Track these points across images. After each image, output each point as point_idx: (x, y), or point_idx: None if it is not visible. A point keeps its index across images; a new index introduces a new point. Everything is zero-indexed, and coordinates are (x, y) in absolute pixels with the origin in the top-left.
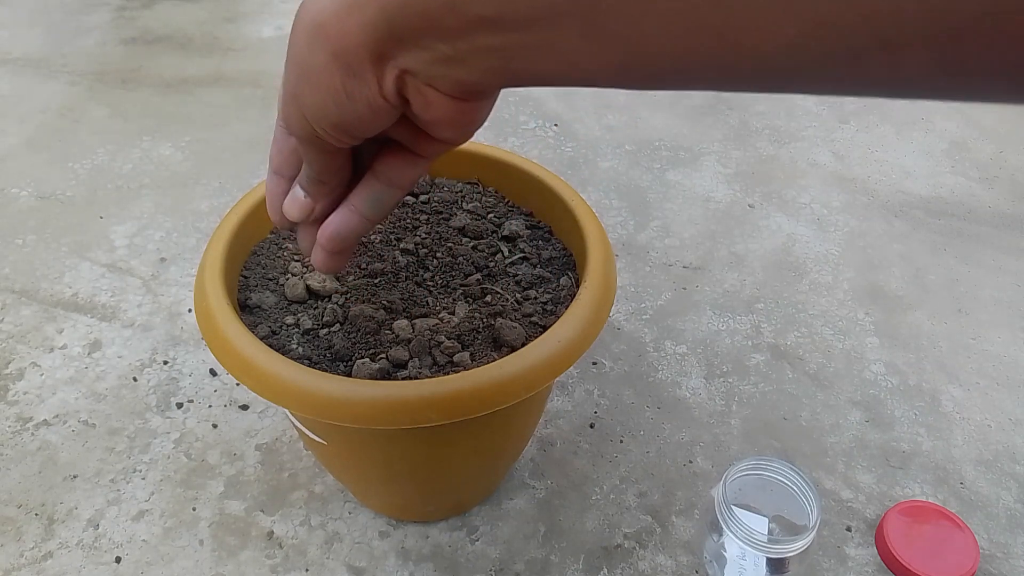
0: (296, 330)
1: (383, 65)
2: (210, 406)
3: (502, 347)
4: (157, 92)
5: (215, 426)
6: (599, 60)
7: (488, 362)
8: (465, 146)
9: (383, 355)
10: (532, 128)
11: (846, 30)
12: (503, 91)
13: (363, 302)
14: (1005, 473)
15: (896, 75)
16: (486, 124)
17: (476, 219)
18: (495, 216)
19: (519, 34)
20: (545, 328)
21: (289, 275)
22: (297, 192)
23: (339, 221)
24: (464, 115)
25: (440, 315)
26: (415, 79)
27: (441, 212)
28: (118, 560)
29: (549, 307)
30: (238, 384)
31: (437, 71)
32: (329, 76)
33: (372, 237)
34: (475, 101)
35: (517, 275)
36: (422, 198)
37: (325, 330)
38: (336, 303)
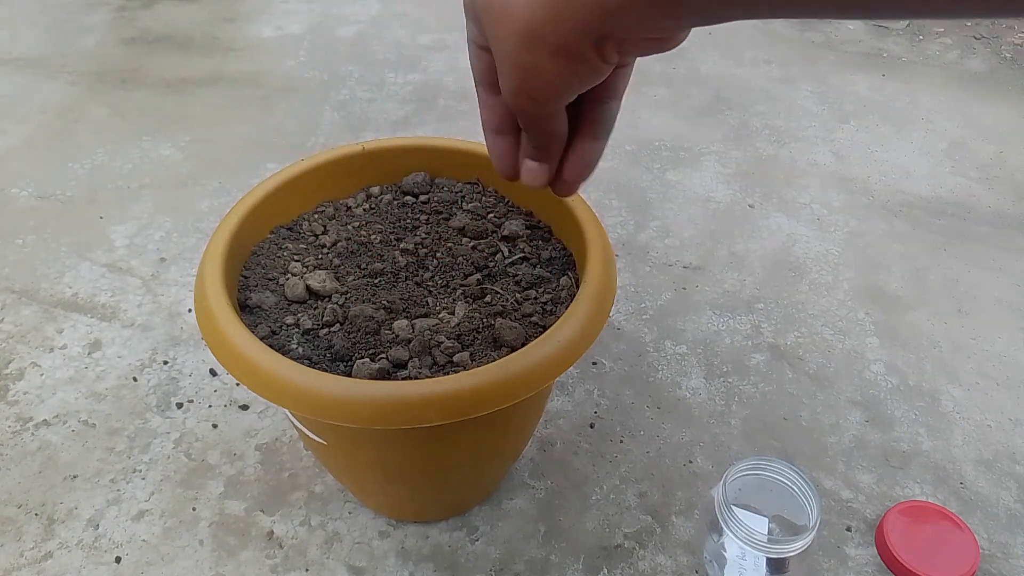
0: (296, 330)
1: (603, 44)
2: (210, 406)
3: (502, 347)
4: (157, 92)
5: (215, 426)
6: None
7: (488, 362)
8: (465, 146)
9: (383, 355)
10: None
11: None
12: None
13: (363, 302)
14: (1005, 473)
15: None
16: None
17: (476, 219)
18: (495, 216)
19: None
20: (545, 328)
21: (289, 275)
22: (531, 165)
23: (585, 154)
24: (664, 45)
25: (440, 315)
26: (631, 40)
27: (441, 212)
28: (118, 560)
29: (549, 307)
30: (238, 384)
31: (651, 29)
32: (556, 67)
33: (372, 237)
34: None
35: (517, 275)
36: (422, 198)
37: (325, 330)
38: (336, 303)
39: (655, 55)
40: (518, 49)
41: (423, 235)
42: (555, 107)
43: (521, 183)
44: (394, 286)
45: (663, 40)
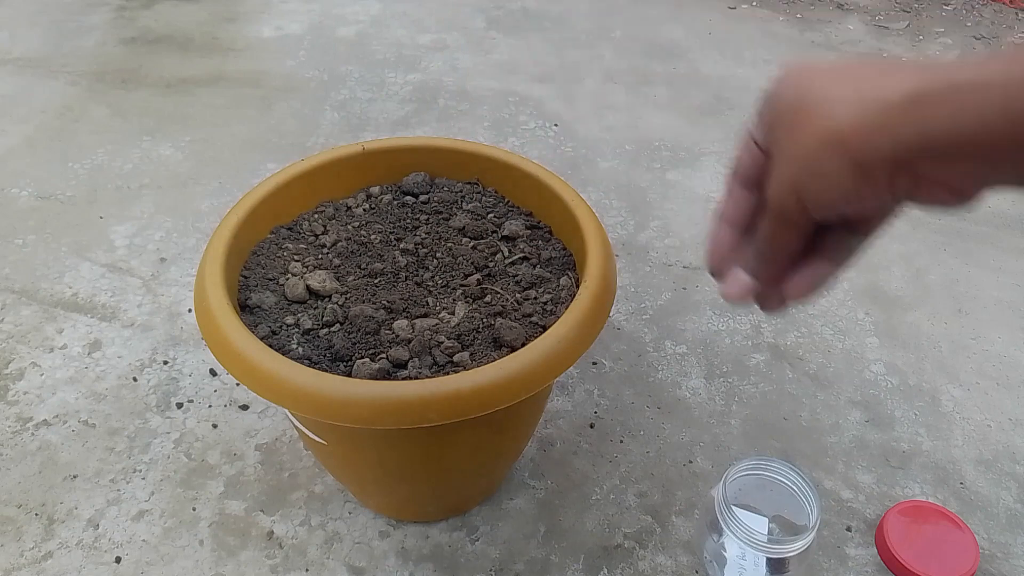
0: (296, 330)
1: (902, 173)
2: (210, 406)
3: (502, 347)
4: (157, 92)
5: (215, 426)
6: None
7: (488, 362)
8: (465, 146)
9: (383, 355)
10: (532, 128)
11: None
12: (505, 93)
13: (363, 302)
14: (1005, 473)
15: None
16: (486, 124)
17: (476, 219)
18: (495, 216)
19: None
20: (545, 328)
21: (289, 275)
22: (741, 276)
23: (816, 274)
24: (953, 199)
25: (440, 315)
26: (931, 182)
27: (441, 212)
28: (118, 560)
29: (549, 307)
30: (238, 384)
31: (962, 179)
32: (843, 179)
33: (372, 237)
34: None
35: (517, 275)
36: (422, 198)
37: (325, 330)
38: (336, 303)
39: (938, 205)
40: (815, 148)
41: (423, 235)
42: (815, 216)
43: (718, 283)
44: (394, 286)
45: (959, 193)
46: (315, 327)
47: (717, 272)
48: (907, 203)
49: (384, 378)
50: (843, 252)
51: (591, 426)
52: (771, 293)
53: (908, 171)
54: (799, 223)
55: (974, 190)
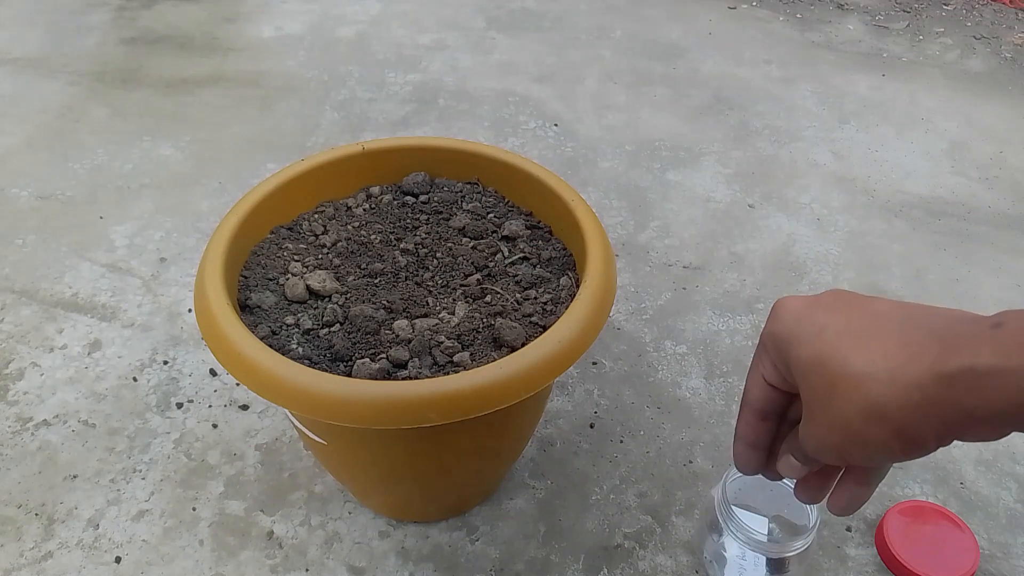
0: (296, 330)
1: (947, 437)
2: (210, 406)
3: (502, 347)
4: (157, 92)
5: (215, 426)
6: None
7: (488, 362)
8: (465, 146)
9: (383, 355)
10: (532, 128)
11: None
12: (505, 94)
13: (363, 302)
14: (1005, 473)
15: None
16: (486, 124)
17: (476, 219)
18: (495, 216)
19: None
20: (545, 328)
21: (289, 275)
22: (792, 462)
23: (853, 494)
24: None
25: (440, 315)
26: (975, 434)
27: (441, 212)
28: (118, 560)
29: (549, 307)
30: (238, 384)
31: (993, 435)
32: (890, 449)
33: (372, 237)
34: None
35: (517, 275)
36: (422, 198)
37: (325, 330)
38: (336, 303)
39: None
40: (859, 422)
41: (423, 235)
42: (858, 465)
43: (769, 471)
44: (394, 286)
45: (1001, 434)
46: (315, 327)
47: (751, 473)
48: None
49: (384, 378)
50: (877, 474)
51: (591, 426)
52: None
53: (953, 436)
54: (838, 467)
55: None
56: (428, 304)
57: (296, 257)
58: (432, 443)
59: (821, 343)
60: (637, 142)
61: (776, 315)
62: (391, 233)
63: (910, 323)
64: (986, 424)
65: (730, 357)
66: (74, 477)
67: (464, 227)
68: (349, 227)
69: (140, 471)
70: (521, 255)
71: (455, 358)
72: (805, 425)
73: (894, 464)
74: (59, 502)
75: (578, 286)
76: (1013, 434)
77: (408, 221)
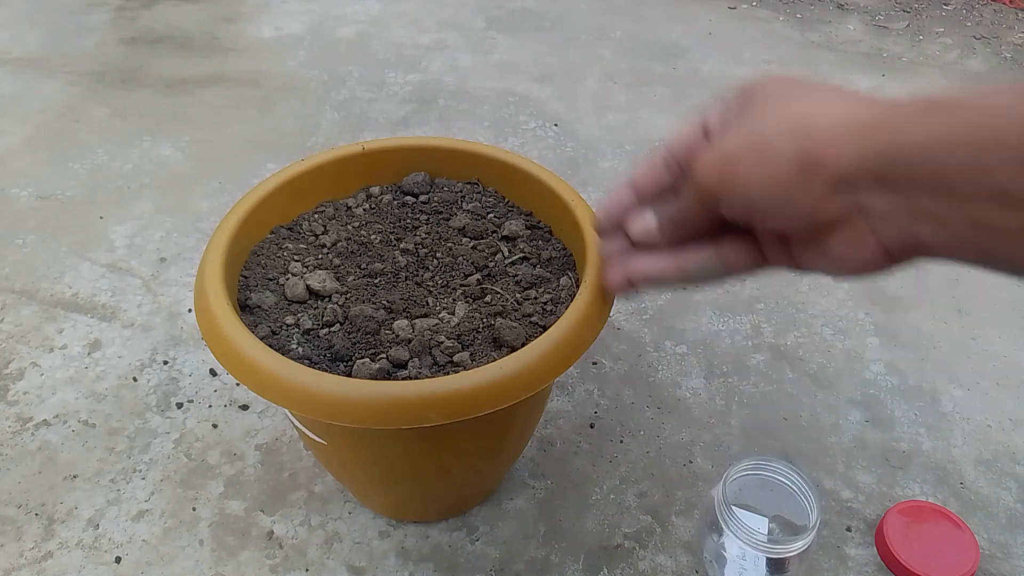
0: (296, 330)
1: (841, 193)
2: (210, 406)
3: (502, 347)
4: (157, 92)
5: (215, 426)
6: None
7: (488, 362)
8: (465, 146)
9: (383, 355)
10: (532, 128)
11: None
12: (505, 93)
13: (363, 302)
14: (1005, 473)
15: None
16: (486, 124)
17: (476, 219)
18: (495, 216)
19: None
20: (545, 328)
21: (289, 275)
22: (650, 219)
23: (661, 268)
24: (866, 267)
25: (440, 315)
26: (861, 218)
27: (441, 212)
28: (118, 560)
29: (549, 307)
30: (238, 384)
31: (896, 221)
32: (787, 177)
33: (372, 237)
34: (896, 263)
35: (517, 275)
36: (422, 198)
37: (325, 330)
38: (336, 303)
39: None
40: (769, 130)
41: (423, 235)
42: (742, 208)
43: (600, 240)
44: (394, 286)
45: (882, 254)
46: (315, 327)
47: (603, 230)
48: (817, 253)
49: (384, 378)
50: (709, 270)
51: (591, 426)
52: (628, 266)
53: (851, 195)
54: (711, 202)
55: (898, 240)
56: (428, 304)
57: (296, 257)
58: (432, 443)
59: (797, 85)
60: (637, 142)
61: (763, 76)
62: (391, 233)
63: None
64: (893, 188)
65: (730, 357)
66: (74, 477)
67: (464, 227)
68: (349, 227)
69: (140, 471)
70: (521, 255)
71: (455, 358)
72: (717, 142)
73: (743, 257)
74: (59, 502)
75: (578, 286)
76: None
77: (408, 221)
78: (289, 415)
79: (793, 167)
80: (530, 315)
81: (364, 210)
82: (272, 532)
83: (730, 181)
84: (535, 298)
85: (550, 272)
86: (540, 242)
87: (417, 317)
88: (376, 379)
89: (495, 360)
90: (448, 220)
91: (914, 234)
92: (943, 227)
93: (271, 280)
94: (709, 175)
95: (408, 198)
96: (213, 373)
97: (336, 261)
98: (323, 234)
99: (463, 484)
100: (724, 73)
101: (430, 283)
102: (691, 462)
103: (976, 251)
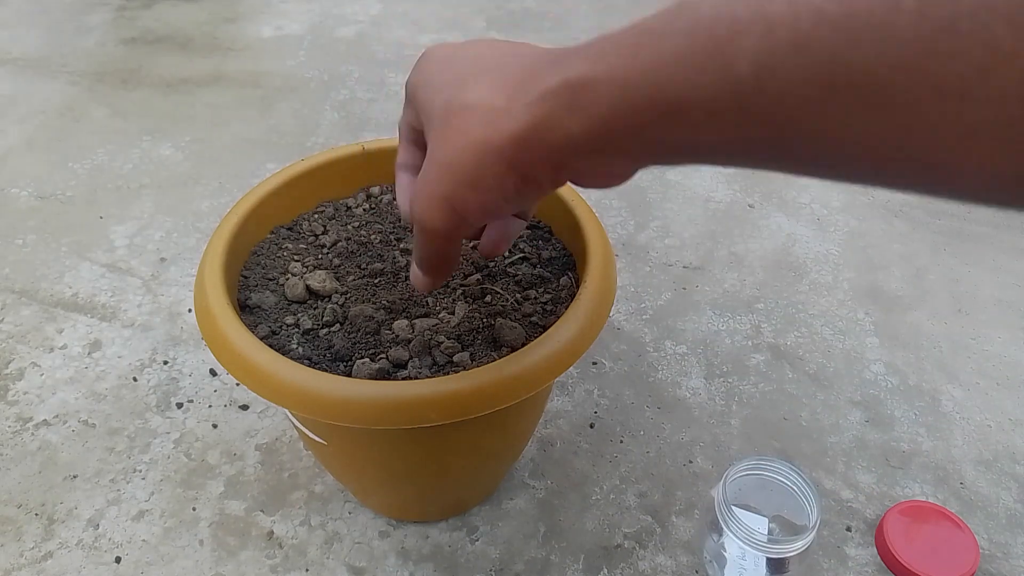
0: (296, 330)
1: (561, 171)
2: (210, 406)
3: (502, 347)
4: (157, 92)
5: (215, 426)
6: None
7: (488, 362)
8: None
9: (383, 355)
10: None
11: None
12: None
13: (363, 302)
14: (1005, 473)
15: None
16: None
17: None
18: None
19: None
20: (545, 328)
21: (289, 275)
22: (414, 273)
23: (502, 230)
24: (614, 181)
25: (440, 315)
26: (582, 172)
27: None
28: (118, 560)
29: (549, 307)
30: (238, 384)
31: (607, 167)
32: (502, 183)
33: (372, 237)
34: (645, 167)
35: (517, 275)
36: None
37: (325, 330)
38: (336, 303)
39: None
40: (467, 158)
41: None
42: (473, 218)
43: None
44: (394, 286)
45: (618, 177)
46: (315, 327)
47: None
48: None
49: (384, 378)
50: (514, 227)
51: (591, 426)
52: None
53: (567, 169)
54: (452, 235)
55: (628, 169)
56: (428, 304)
57: (296, 257)
58: (432, 443)
59: (442, 80)
60: None
61: (418, 64)
62: (391, 233)
63: (529, 56)
64: (593, 152)
65: (730, 357)
66: (74, 477)
67: None
68: (349, 227)
69: (140, 471)
70: (521, 255)
71: (455, 358)
72: (419, 179)
73: (518, 215)
74: (59, 502)
75: (578, 286)
76: (1013, 435)
77: None
78: (289, 415)
79: (512, 178)
80: (530, 315)
81: (364, 210)
82: (272, 532)
83: (450, 217)
84: (535, 298)
85: (550, 272)
86: (540, 242)
87: (417, 317)
88: (376, 379)
89: (495, 360)
90: None
91: (622, 167)
92: (637, 160)
93: (271, 280)
94: (430, 220)
95: None
96: (213, 373)
97: (336, 261)
98: (323, 234)
99: (463, 484)
100: None
101: None
102: (691, 462)
103: (665, 161)
